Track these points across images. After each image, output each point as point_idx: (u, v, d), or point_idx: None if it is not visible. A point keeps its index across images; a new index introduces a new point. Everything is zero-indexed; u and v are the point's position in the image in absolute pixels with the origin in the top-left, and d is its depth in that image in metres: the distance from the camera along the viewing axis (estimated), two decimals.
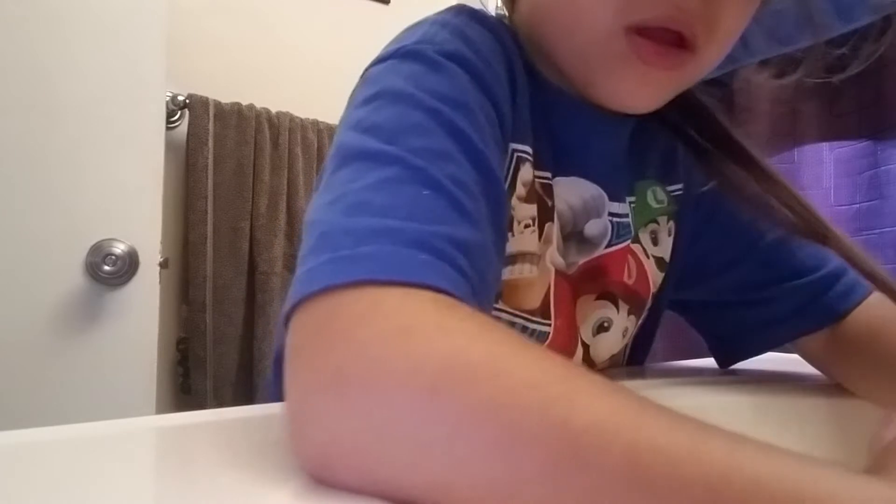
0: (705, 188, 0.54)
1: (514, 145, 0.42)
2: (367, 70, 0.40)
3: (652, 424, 0.21)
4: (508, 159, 0.42)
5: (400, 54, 0.38)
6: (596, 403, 0.21)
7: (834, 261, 0.53)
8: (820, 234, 0.47)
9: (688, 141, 0.53)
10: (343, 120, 0.36)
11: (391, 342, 0.23)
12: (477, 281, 0.28)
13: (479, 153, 0.34)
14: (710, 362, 0.61)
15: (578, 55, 0.43)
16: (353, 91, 0.39)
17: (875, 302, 0.51)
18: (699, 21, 0.39)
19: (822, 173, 1.05)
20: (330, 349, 0.23)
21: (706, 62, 0.42)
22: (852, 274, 0.52)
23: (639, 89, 0.42)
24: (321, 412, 0.23)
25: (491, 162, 0.34)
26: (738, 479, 0.20)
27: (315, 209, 0.30)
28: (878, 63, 0.52)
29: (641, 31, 0.39)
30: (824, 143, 1.03)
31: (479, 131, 0.35)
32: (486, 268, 0.30)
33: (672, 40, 0.39)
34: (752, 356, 0.58)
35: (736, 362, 0.59)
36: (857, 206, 1.01)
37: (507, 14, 0.50)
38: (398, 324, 0.23)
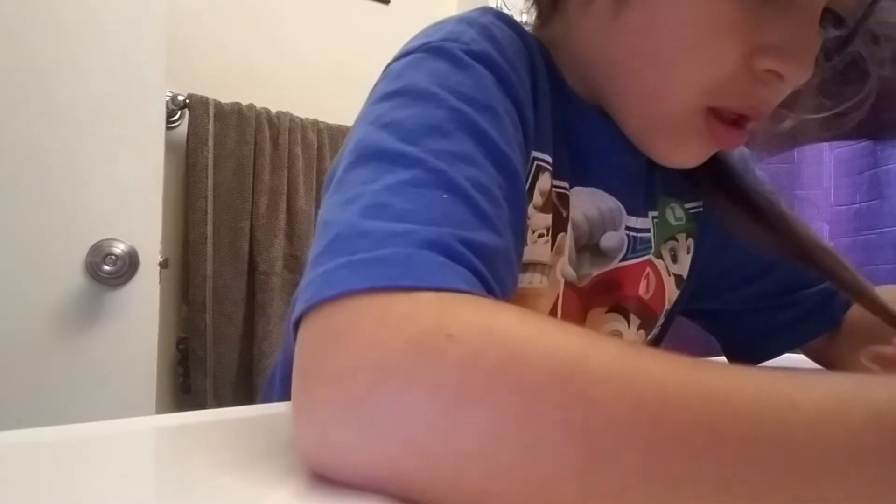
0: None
1: (534, 153, 0.42)
2: (389, 65, 0.39)
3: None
4: (528, 167, 0.41)
5: (425, 49, 0.37)
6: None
7: None
8: (804, 256, 0.49)
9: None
10: (362, 114, 0.35)
11: (404, 353, 0.22)
12: (495, 286, 0.28)
13: (502, 155, 0.33)
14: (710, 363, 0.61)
15: (647, 116, 0.44)
16: (374, 86, 0.38)
17: None
18: (769, 108, 0.41)
19: (822, 173, 1.05)
20: (346, 358, 0.23)
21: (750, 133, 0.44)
22: None
23: (695, 157, 0.44)
24: (335, 419, 0.23)
25: (514, 164, 0.34)
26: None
27: (329, 209, 0.29)
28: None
29: (717, 112, 0.41)
30: (824, 143, 1.03)
31: (504, 134, 0.34)
32: (506, 274, 0.30)
33: (736, 120, 0.41)
34: (769, 359, 0.59)
35: (753, 365, 0.60)
36: (857, 206, 1.01)
37: (532, 22, 0.49)
38: (409, 334, 0.23)
